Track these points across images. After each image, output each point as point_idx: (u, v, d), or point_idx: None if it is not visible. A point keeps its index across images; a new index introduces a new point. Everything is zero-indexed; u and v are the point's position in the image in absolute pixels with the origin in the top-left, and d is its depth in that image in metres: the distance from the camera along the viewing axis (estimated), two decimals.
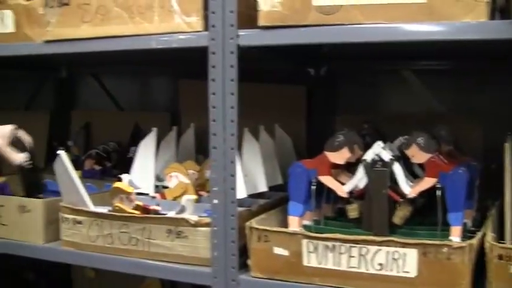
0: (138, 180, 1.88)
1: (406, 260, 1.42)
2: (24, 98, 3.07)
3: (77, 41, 1.78)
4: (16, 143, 1.94)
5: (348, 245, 1.47)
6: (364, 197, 1.58)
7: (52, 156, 2.68)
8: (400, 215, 1.55)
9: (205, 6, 1.59)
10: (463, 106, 2.21)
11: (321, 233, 1.53)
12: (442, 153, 1.56)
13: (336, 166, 1.63)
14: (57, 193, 2.04)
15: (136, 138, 2.48)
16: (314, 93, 2.37)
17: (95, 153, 2.48)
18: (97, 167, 2.44)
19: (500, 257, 1.36)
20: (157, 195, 1.93)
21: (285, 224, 1.67)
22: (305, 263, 1.52)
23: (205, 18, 1.59)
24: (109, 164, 2.47)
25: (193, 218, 1.63)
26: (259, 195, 1.89)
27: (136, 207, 1.73)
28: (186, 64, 2.31)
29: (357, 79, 2.37)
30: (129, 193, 1.72)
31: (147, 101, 2.81)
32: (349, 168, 1.64)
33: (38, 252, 1.93)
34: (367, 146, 1.59)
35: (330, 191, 1.65)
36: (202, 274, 1.63)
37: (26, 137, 2.00)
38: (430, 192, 1.52)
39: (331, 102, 2.39)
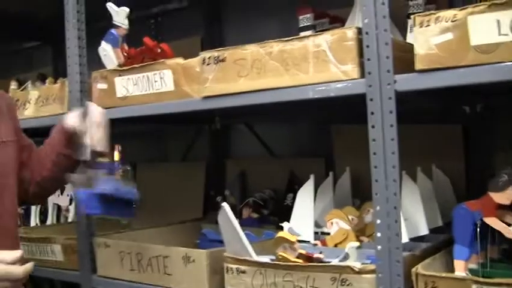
0: (298, 228, 1.90)
1: None
2: (180, 150, 3.21)
3: (235, 95, 1.83)
4: None
5: None
6: None
7: (209, 206, 2.80)
8: None
9: (360, 54, 1.60)
10: None
11: (490, 277, 1.48)
12: None
13: (500, 206, 1.58)
14: (216, 242, 2.11)
15: (293, 184, 2.52)
16: (470, 131, 2.31)
17: (251, 201, 2.53)
18: (254, 215, 2.49)
19: None
20: (318, 242, 1.94)
21: (449, 268, 1.64)
22: None
23: (361, 65, 1.60)
24: (266, 211, 2.52)
25: (358, 265, 1.62)
26: (420, 238, 1.87)
27: (300, 256, 1.74)
28: (337, 110, 2.34)
29: None
30: (292, 242, 1.74)
31: (300, 147, 2.84)
32: None
33: None
34: None
35: (495, 232, 1.60)
36: None
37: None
38: None
39: (488, 139, 2.32)
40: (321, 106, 2.31)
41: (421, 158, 2.13)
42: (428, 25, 1.50)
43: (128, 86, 2.16)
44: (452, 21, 1.47)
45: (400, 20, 1.93)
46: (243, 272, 1.83)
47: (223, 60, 1.86)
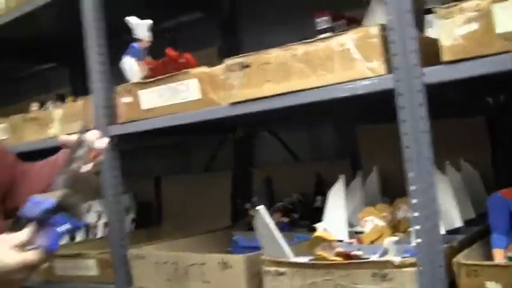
0: (331, 228, 1.91)
1: None
2: (204, 161, 3.23)
3: (262, 99, 1.86)
4: None
5: None
6: None
7: (237, 215, 2.82)
8: None
9: (386, 50, 1.62)
10: None
11: None
12: None
13: None
14: (248, 248, 2.12)
15: (320, 187, 2.54)
16: (495, 122, 2.32)
17: (280, 206, 2.55)
18: (285, 219, 2.50)
19: None
20: (353, 240, 1.95)
21: (488, 257, 1.64)
22: None
23: (387, 61, 1.62)
24: (296, 215, 2.53)
25: (398, 259, 1.63)
26: (454, 230, 1.87)
27: (338, 254, 1.75)
28: (359, 110, 2.36)
29: None
30: (330, 241, 1.75)
31: (324, 150, 2.86)
32: None
33: None
34: None
35: None
36: None
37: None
38: None
39: None
40: (344, 108, 2.34)
41: (447, 152, 2.13)
42: (452, 17, 1.52)
43: (152, 97, 2.19)
44: (475, 11, 1.48)
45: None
46: (282, 273, 1.84)
47: (248, 66, 1.88)
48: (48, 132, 2.71)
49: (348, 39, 1.68)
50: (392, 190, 2.18)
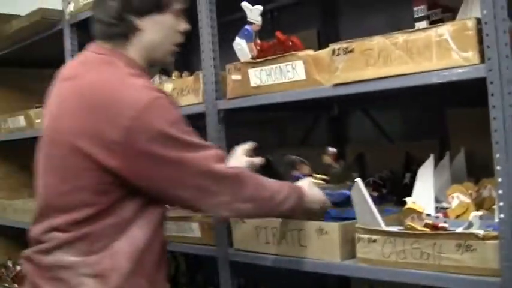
0: (419, 203, 2.07)
1: None
2: (299, 136, 3.42)
3: (364, 82, 2.03)
4: None
5: None
6: None
7: None
8: None
9: (480, 42, 1.77)
10: None
11: None
12: None
13: None
14: (338, 219, 2.28)
15: (410, 165, 2.68)
16: None
17: (371, 181, 2.71)
18: (375, 194, 2.65)
19: None
20: (440, 214, 2.11)
21: None
22: None
23: (481, 52, 1.77)
24: (385, 190, 2.69)
25: (481, 232, 1.79)
26: None
27: (426, 225, 1.92)
28: (449, 95, 2.48)
29: None
30: (420, 213, 1.93)
31: (414, 130, 3.00)
32: None
33: (335, 269, 2.19)
34: None
35: None
36: (493, 284, 1.76)
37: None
38: None
39: None
40: (435, 92, 2.48)
41: None
42: None
43: (261, 76, 2.38)
44: None
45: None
46: (374, 241, 2.02)
47: (351, 51, 2.05)
48: None
49: (446, 30, 1.84)
50: (477, 171, 2.31)
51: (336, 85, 2.12)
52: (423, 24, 2.23)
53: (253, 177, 1.99)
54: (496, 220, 1.79)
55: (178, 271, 3.90)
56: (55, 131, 1.90)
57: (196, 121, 3.67)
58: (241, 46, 2.42)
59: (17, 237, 4.51)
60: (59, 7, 3.60)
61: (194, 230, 2.80)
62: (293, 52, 2.29)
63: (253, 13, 2.36)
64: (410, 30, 1.93)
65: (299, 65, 2.25)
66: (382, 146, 3.05)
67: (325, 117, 3.26)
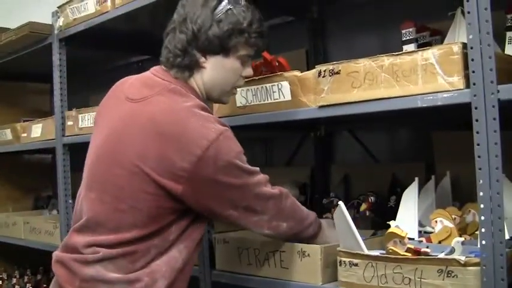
0: (403, 226, 2.06)
1: None
2: (285, 155, 3.41)
3: (349, 104, 2.02)
4: None
5: None
6: None
7: (314, 208, 2.97)
8: None
9: (465, 67, 1.76)
10: None
11: None
12: None
13: None
14: None
15: (395, 188, 2.68)
16: None
17: (356, 203, 2.71)
18: (358, 216, 2.65)
19: None
20: (423, 239, 2.10)
21: None
22: None
23: (466, 77, 1.76)
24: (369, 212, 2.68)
25: (463, 258, 1.77)
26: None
27: (408, 250, 1.91)
28: (435, 118, 2.48)
29: None
30: (402, 237, 1.91)
31: (401, 152, 3.00)
32: None
33: None
34: None
35: None
36: None
37: None
38: None
39: None
40: (422, 114, 2.48)
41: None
42: None
43: (247, 96, 2.37)
44: None
45: (498, 32, 2.07)
46: (356, 264, 2.00)
47: (337, 73, 2.05)
48: None
49: (432, 54, 1.84)
50: (464, 194, 2.31)
51: (322, 107, 2.12)
52: (411, 46, 2.25)
53: (290, 197, 2.12)
54: (478, 246, 1.78)
55: None
56: (118, 150, 1.95)
57: None
58: None
59: None
60: (50, 21, 3.59)
61: None
62: (279, 73, 2.29)
63: None
64: (397, 53, 1.92)
65: (285, 86, 2.25)
66: (368, 168, 3.04)
67: (312, 137, 3.25)
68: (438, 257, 1.85)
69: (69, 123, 3.47)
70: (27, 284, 4.26)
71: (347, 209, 2.64)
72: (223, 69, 2.04)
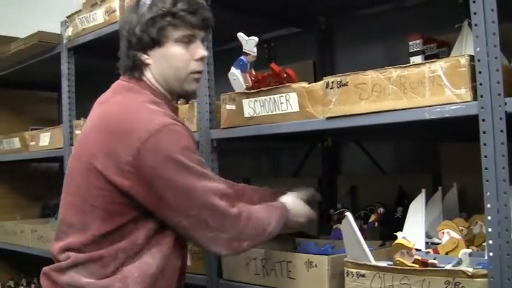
0: (410, 237, 2.07)
1: None
2: (292, 166, 3.42)
3: (357, 116, 2.03)
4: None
5: None
6: None
7: (321, 219, 2.98)
8: None
9: (473, 79, 1.78)
10: None
11: None
12: None
13: None
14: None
15: (402, 199, 2.68)
16: None
17: (363, 214, 2.71)
18: (366, 227, 2.66)
19: None
20: (430, 250, 2.10)
21: None
22: None
23: (473, 89, 1.77)
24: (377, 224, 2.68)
25: (470, 269, 1.78)
26: None
27: (415, 261, 1.91)
28: (442, 129, 2.49)
29: None
30: (410, 248, 1.92)
31: (407, 164, 3.01)
32: None
33: None
34: None
35: None
36: None
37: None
38: None
39: None
40: (429, 126, 2.48)
41: None
42: None
43: (255, 107, 2.39)
44: None
45: (506, 44, 2.08)
46: (363, 275, 2.01)
47: (345, 85, 2.06)
48: None
49: (439, 66, 1.85)
50: (471, 206, 2.30)
51: (329, 118, 2.12)
52: (418, 58, 2.25)
53: (251, 217, 2.00)
54: (486, 258, 1.78)
55: None
56: (79, 152, 2.01)
57: None
58: (236, 76, 2.42)
59: (5, 259, 4.52)
60: (58, 31, 3.62)
61: None
62: (287, 84, 2.29)
63: (249, 44, 2.37)
64: (404, 65, 1.93)
65: (293, 97, 2.26)
66: (374, 179, 3.05)
67: (319, 148, 3.27)
68: (445, 268, 1.85)
69: (77, 132, 3.49)
70: None
71: (355, 219, 2.69)
72: (165, 59, 2.02)
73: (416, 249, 2.06)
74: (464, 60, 1.81)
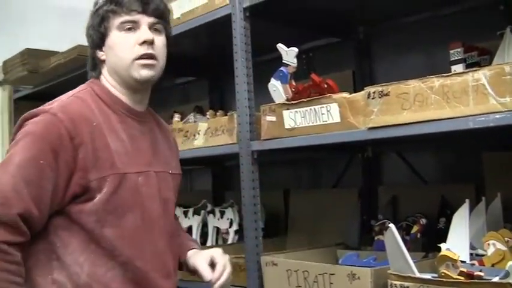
0: (454, 249, 2.04)
1: None
2: (332, 177, 3.40)
3: (399, 126, 2.01)
4: None
5: None
6: None
7: (364, 229, 2.96)
8: None
9: None
10: None
11: None
12: None
13: None
14: None
15: (445, 209, 2.65)
16: None
17: (404, 225, 2.68)
18: (408, 238, 2.63)
19: None
20: (475, 262, 2.07)
21: None
22: None
23: None
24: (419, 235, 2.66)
25: None
26: None
27: (461, 273, 1.88)
28: (485, 139, 2.45)
29: None
30: (455, 260, 1.89)
31: (449, 173, 2.97)
32: None
33: None
34: None
35: None
36: None
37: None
38: None
39: None
40: (471, 135, 2.45)
41: None
42: None
43: (295, 118, 2.38)
44: None
45: None
46: None
47: (387, 95, 2.04)
48: (193, 143, 2.95)
49: (483, 75, 1.82)
50: None
51: (371, 128, 2.11)
52: (459, 67, 2.23)
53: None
54: None
55: None
56: None
57: (228, 161, 3.73)
58: (277, 88, 2.43)
59: None
60: None
61: None
62: (328, 95, 2.29)
63: (289, 55, 2.37)
64: (447, 74, 1.91)
65: (334, 108, 2.25)
66: (416, 189, 3.01)
67: (359, 158, 3.24)
68: (492, 280, 1.82)
69: None
70: None
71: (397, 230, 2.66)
72: (111, 49, 1.98)
73: (461, 261, 2.03)
74: (508, 68, 1.78)
